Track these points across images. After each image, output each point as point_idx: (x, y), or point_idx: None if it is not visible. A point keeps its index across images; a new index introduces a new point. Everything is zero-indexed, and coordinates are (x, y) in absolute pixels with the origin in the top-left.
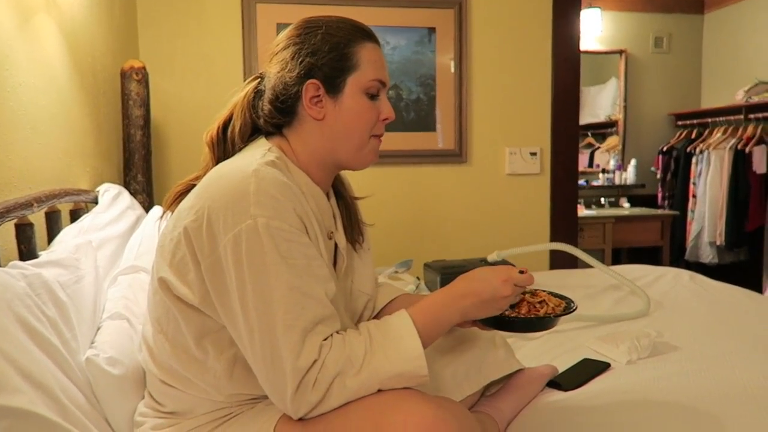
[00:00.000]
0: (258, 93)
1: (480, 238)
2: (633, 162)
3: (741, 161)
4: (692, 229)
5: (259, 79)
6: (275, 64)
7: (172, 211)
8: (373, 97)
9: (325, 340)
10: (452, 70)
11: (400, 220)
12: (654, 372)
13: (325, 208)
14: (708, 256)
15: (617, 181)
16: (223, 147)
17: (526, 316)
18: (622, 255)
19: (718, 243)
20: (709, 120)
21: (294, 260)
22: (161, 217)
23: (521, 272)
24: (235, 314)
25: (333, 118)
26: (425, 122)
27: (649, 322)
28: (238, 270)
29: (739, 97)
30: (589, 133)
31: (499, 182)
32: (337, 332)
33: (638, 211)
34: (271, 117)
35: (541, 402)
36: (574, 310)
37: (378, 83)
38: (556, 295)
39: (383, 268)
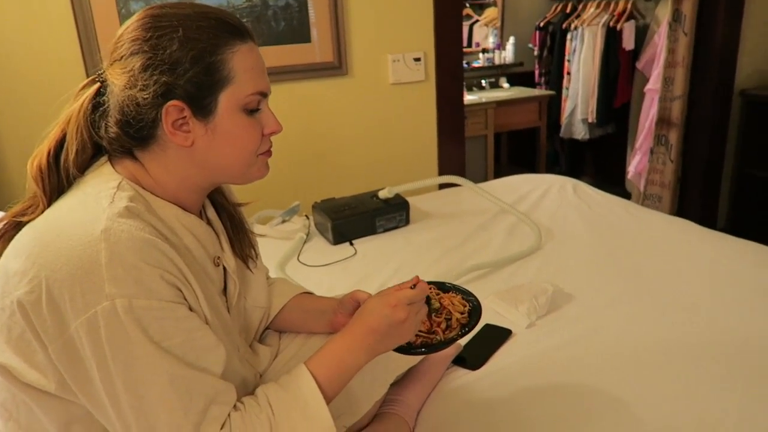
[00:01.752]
0: (97, 104)
1: (368, 158)
2: (511, 40)
3: (612, 38)
4: (567, 107)
5: (99, 85)
6: (120, 73)
7: None
8: (253, 111)
9: (222, 427)
10: None
11: (279, 146)
12: (554, 337)
13: (205, 234)
14: (581, 132)
15: (497, 61)
16: (57, 179)
17: (428, 341)
18: (502, 138)
19: (590, 120)
20: None
21: (170, 341)
22: None
23: (413, 286)
24: (104, 408)
25: (205, 145)
26: (298, 32)
27: (542, 260)
28: (100, 362)
29: None
30: (468, 4)
31: (383, 93)
32: (234, 407)
33: (517, 92)
34: (119, 142)
35: (450, 387)
36: (474, 324)
37: (258, 96)
38: (459, 291)
39: (269, 210)
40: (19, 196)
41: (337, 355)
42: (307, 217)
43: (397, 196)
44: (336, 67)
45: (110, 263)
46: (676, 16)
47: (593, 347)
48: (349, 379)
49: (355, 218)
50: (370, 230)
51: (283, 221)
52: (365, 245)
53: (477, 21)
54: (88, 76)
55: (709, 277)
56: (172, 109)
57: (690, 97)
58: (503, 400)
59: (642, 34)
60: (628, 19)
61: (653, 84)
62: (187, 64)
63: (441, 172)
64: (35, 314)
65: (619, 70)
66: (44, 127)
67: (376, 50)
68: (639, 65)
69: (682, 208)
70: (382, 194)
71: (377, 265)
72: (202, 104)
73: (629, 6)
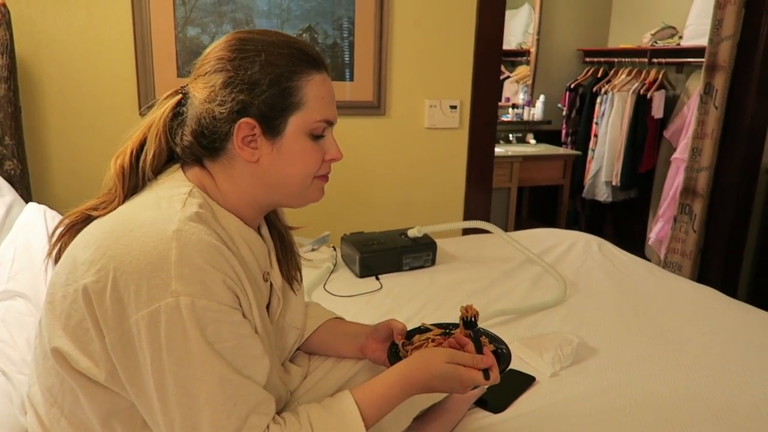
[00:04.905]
0: (177, 113)
1: (397, 197)
2: (541, 98)
3: (642, 105)
4: (591, 168)
5: (181, 96)
6: (202, 87)
7: (63, 247)
8: (317, 137)
9: None
10: (373, 13)
11: None
12: (577, 388)
13: (259, 249)
14: (603, 194)
15: (525, 117)
16: (135, 179)
17: None
18: (524, 193)
19: (614, 183)
20: (616, 60)
21: (223, 344)
22: (50, 253)
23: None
24: (150, 401)
25: (269, 162)
26: (341, 70)
27: (567, 312)
28: (154, 355)
29: (645, 40)
30: None
31: (417, 136)
32: (274, 420)
33: (544, 149)
34: (191, 150)
35: (470, 427)
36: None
37: (324, 124)
38: (491, 337)
39: (299, 238)
40: (63, 196)
41: (386, 391)
42: (335, 248)
43: (425, 236)
44: (375, 106)
45: (179, 262)
46: (707, 89)
47: (616, 401)
48: (389, 412)
49: (382, 253)
50: (397, 267)
51: (312, 249)
52: (391, 281)
53: (508, 77)
54: (140, 94)
55: (734, 344)
56: (245, 125)
57: (716, 169)
58: None
59: (671, 104)
60: (658, 89)
61: (680, 153)
62: (264, 86)
63: (466, 219)
64: (98, 303)
65: (646, 136)
66: (92, 134)
67: (415, 94)
68: (666, 134)
69: (701, 279)
70: (411, 233)
71: (402, 301)
72: (272, 124)
73: (660, 76)
